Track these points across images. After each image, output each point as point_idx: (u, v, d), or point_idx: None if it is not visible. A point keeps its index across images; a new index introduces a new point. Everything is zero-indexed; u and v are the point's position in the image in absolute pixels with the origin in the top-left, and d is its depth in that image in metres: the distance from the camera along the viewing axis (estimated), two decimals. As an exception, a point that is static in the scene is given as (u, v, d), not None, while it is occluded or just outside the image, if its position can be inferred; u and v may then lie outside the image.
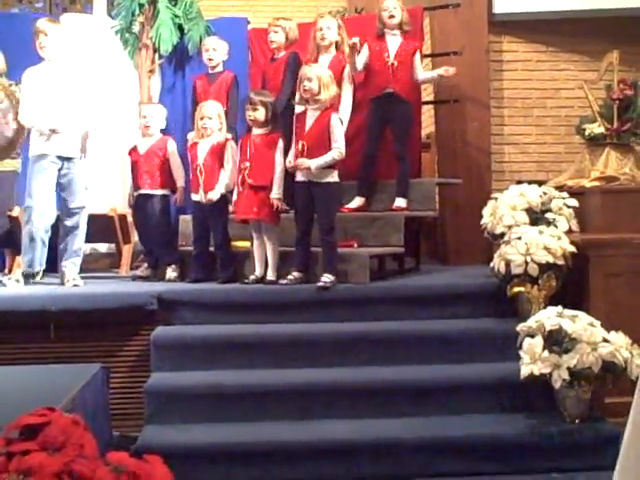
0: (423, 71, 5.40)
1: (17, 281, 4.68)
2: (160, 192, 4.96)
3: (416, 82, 5.37)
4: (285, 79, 5.25)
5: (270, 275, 4.53)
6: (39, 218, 4.72)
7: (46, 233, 4.76)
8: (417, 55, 5.32)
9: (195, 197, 4.77)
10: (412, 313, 4.31)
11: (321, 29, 5.24)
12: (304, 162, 4.35)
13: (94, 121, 4.91)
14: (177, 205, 5.04)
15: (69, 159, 4.76)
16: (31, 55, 5.27)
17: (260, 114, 4.58)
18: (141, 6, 5.93)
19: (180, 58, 5.98)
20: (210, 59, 5.43)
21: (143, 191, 4.96)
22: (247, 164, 4.57)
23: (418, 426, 3.64)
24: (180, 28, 5.93)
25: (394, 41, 5.30)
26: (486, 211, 4.64)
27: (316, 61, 5.20)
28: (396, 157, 5.32)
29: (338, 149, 4.34)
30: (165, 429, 3.63)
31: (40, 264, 4.78)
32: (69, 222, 4.80)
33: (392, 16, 5.27)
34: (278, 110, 4.74)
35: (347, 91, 5.20)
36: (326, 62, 5.20)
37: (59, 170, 4.76)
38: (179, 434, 3.58)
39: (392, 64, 5.23)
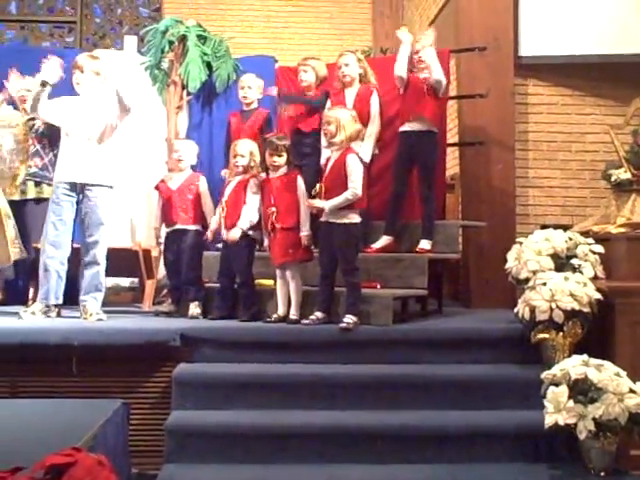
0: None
1: (33, 314, 4.69)
2: (194, 227, 4.98)
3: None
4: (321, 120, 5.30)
5: (293, 314, 4.52)
6: (52, 249, 4.76)
7: (61, 265, 4.77)
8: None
9: (221, 234, 4.81)
10: (434, 357, 4.27)
11: (340, 67, 5.32)
12: (315, 203, 4.37)
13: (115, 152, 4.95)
14: (208, 242, 5.04)
15: (85, 189, 4.78)
16: (61, 89, 5.36)
17: (283, 160, 4.63)
18: (170, 43, 6.05)
19: (208, 95, 6.08)
20: (245, 96, 5.50)
21: (177, 226, 4.99)
22: (273, 209, 4.60)
23: (439, 474, 3.59)
24: (209, 66, 6.04)
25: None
26: (510, 255, 4.61)
27: (342, 96, 5.29)
28: (421, 198, 5.32)
29: (352, 189, 4.35)
30: (184, 468, 3.61)
31: (56, 297, 4.78)
32: (86, 256, 4.82)
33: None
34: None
35: (373, 123, 5.22)
36: (351, 96, 5.26)
37: (77, 202, 4.80)
38: (198, 474, 3.56)
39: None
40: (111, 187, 4.87)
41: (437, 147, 5.41)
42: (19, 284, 5.56)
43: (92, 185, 4.78)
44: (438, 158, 5.48)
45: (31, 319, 4.63)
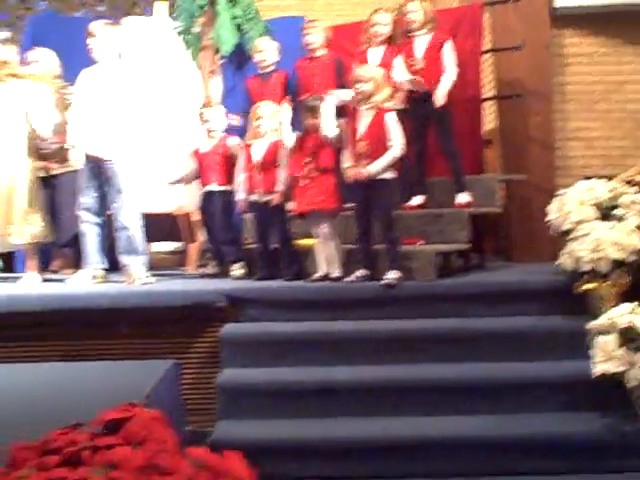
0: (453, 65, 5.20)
1: (83, 279, 4.81)
2: (224, 188, 5.01)
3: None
4: (335, 81, 5.26)
5: (335, 272, 4.54)
6: (87, 214, 4.87)
7: (97, 229, 4.87)
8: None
9: (253, 197, 4.81)
10: (479, 310, 4.26)
11: (374, 25, 5.24)
12: (362, 172, 4.32)
13: (135, 124, 4.93)
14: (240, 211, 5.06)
15: (102, 160, 4.82)
16: (90, 59, 5.39)
17: (318, 121, 4.61)
18: (201, 7, 6.01)
19: (240, 58, 6.04)
20: (262, 60, 5.47)
21: (207, 188, 5.02)
22: (308, 159, 4.57)
23: (488, 424, 3.61)
24: (239, 28, 5.99)
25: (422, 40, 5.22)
26: (552, 207, 4.57)
27: (364, 55, 5.22)
28: (445, 154, 5.26)
29: (396, 148, 4.32)
30: (237, 425, 3.69)
31: (99, 262, 4.89)
32: (116, 222, 4.88)
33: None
34: None
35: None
36: (377, 56, 5.20)
37: (99, 170, 4.84)
38: (251, 430, 3.63)
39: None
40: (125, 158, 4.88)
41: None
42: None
43: (106, 159, 4.82)
44: (450, 110, 5.34)
45: (79, 284, 4.72)
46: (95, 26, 4.90)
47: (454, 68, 5.14)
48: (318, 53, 5.42)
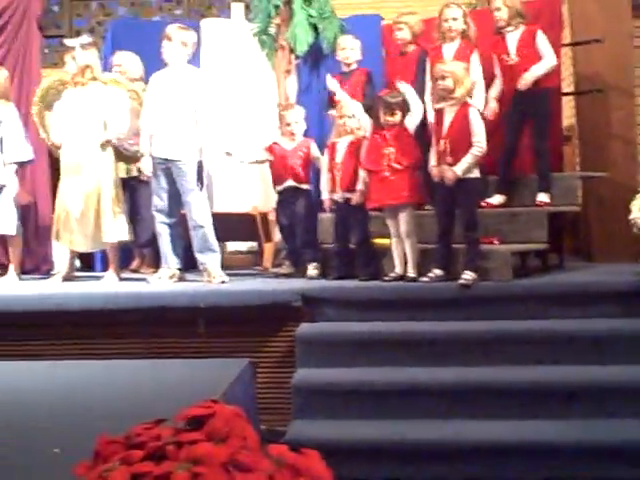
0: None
1: (159, 278, 4.90)
2: (304, 187, 5.03)
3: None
4: (417, 78, 5.23)
5: (410, 272, 4.51)
6: (160, 216, 4.95)
7: (172, 230, 4.94)
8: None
9: (334, 196, 4.83)
10: (558, 312, 4.17)
11: (447, 20, 5.19)
12: (446, 172, 4.29)
13: (208, 125, 4.96)
14: (327, 209, 5.07)
15: (171, 161, 4.88)
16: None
17: (397, 118, 4.59)
18: (276, 7, 6.05)
19: (315, 57, 6.06)
20: (346, 57, 5.47)
21: (287, 183, 5.04)
22: (390, 149, 4.54)
23: (569, 429, 3.53)
24: (315, 28, 6.01)
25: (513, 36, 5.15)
26: (635, 205, 4.44)
27: (440, 51, 5.18)
28: (535, 152, 5.18)
29: (478, 146, 4.27)
30: (312, 424, 3.70)
31: (176, 261, 4.96)
32: (189, 221, 4.95)
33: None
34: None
35: (477, 80, 5.08)
36: (451, 52, 5.15)
37: (170, 171, 4.91)
38: (325, 430, 3.64)
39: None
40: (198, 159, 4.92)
41: (550, 100, 5.21)
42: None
43: (175, 160, 4.88)
44: (552, 109, 5.29)
45: (158, 284, 4.82)
46: (171, 29, 4.98)
47: (552, 55, 5.08)
48: (408, 49, 5.39)
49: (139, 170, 5.37)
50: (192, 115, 4.86)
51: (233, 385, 3.56)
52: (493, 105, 5.17)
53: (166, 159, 4.87)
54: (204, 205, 4.92)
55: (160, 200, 4.94)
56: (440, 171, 4.33)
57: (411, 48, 5.38)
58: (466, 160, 4.26)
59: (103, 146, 5.04)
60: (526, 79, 4.99)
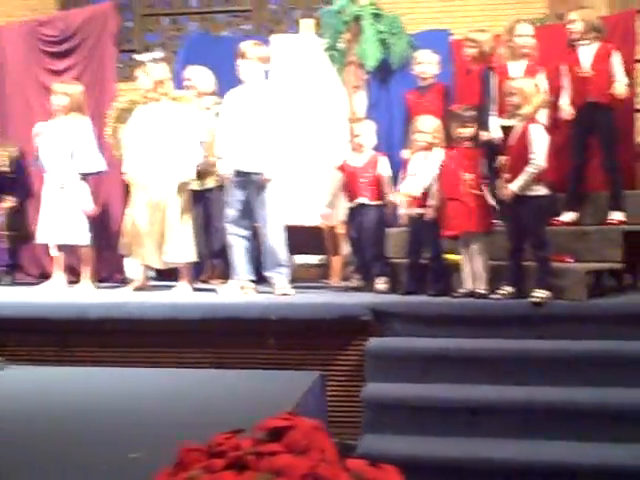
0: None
1: (229, 290, 4.95)
2: (374, 203, 5.04)
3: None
4: (481, 95, 5.19)
5: (480, 289, 4.47)
6: (233, 227, 4.99)
7: (244, 242, 4.98)
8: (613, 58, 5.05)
9: (407, 210, 4.82)
10: (630, 333, 4.07)
11: (519, 36, 5.14)
12: (505, 189, 4.28)
13: (284, 139, 5.02)
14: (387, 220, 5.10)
15: (248, 174, 4.93)
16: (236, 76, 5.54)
17: (470, 131, 4.57)
18: (346, 23, 6.09)
19: (385, 73, 6.07)
20: (422, 72, 5.47)
21: (359, 201, 5.06)
22: (467, 175, 4.52)
23: (637, 453, 3.44)
24: (384, 43, 6.03)
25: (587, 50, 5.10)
26: None
27: (506, 68, 5.14)
28: (605, 168, 5.09)
29: (534, 163, 4.22)
30: (382, 439, 3.69)
31: (247, 273, 5.00)
32: (261, 235, 4.99)
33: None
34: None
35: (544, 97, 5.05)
36: (518, 68, 5.10)
37: (247, 185, 4.96)
38: (395, 445, 3.63)
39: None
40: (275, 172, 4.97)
41: (615, 115, 5.12)
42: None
43: (254, 173, 4.92)
44: (618, 125, 5.17)
45: (229, 295, 4.87)
46: (245, 46, 5.04)
47: (624, 78, 5.03)
48: (474, 66, 5.37)
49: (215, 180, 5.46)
50: (268, 130, 4.92)
51: (304, 397, 3.59)
52: (568, 109, 5.11)
53: (243, 172, 4.93)
54: (277, 219, 4.96)
55: (233, 212, 5.00)
56: (500, 189, 4.32)
57: (475, 67, 5.36)
58: (522, 177, 4.23)
59: (176, 161, 5.12)
60: (618, 88, 4.95)
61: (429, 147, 4.79)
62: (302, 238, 5.19)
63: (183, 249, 5.10)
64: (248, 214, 5.00)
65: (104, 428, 3.11)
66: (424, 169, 4.73)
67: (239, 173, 4.96)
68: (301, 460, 2.14)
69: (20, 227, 5.96)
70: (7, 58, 6.33)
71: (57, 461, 2.67)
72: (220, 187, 5.55)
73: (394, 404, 3.83)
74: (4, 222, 5.79)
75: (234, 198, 5.00)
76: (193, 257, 5.18)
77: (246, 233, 5.01)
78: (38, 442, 2.92)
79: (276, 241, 4.95)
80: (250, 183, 4.94)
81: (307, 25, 6.59)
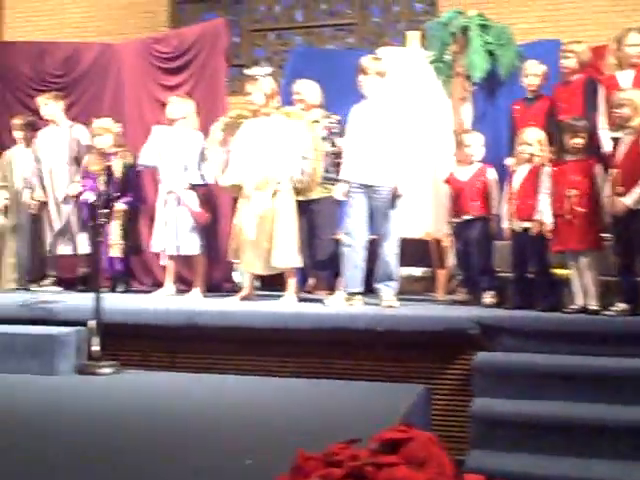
0: None
1: (337, 301, 4.98)
2: (481, 216, 4.99)
3: None
4: (585, 105, 5.06)
5: (592, 305, 4.36)
6: (349, 239, 5.00)
7: (358, 254, 4.98)
8: None
9: (511, 224, 4.76)
10: None
11: (631, 45, 4.99)
12: (618, 202, 4.18)
13: (406, 153, 5.03)
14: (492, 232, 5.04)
15: (371, 187, 4.96)
16: (345, 89, 5.58)
17: (582, 141, 4.48)
18: (453, 35, 6.07)
19: (492, 85, 6.01)
20: (530, 84, 5.39)
21: (465, 217, 5.03)
22: (574, 192, 4.45)
23: None
24: (491, 54, 5.97)
25: None
26: None
27: (614, 79, 5.01)
28: None
29: None
30: (491, 455, 3.63)
31: (356, 285, 5.00)
32: (379, 247, 5.00)
33: None
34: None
35: None
36: (628, 79, 4.95)
37: (368, 196, 4.98)
38: (506, 462, 3.56)
39: None
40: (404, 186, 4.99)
41: None
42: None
43: (376, 186, 4.95)
44: None
45: (336, 306, 4.90)
46: (365, 61, 5.08)
47: None
48: (573, 77, 5.26)
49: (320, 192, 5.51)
50: (392, 143, 4.96)
51: (410, 410, 3.58)
52: None
53: (366, 185, 4.97)
54: (396, 234, 4.99)
55: (351, 223, 5.01)
56: (611, 202, 4.20)
57: (576, 76, 5.23)
58: (636, 191, 4.10)
59: (283, 173, 5.21)
60: None
61: (532, 159, 4.72)
62: (407, 250, 5.17)
63: (289, 255, 5.18)
64: (365, 226, 5.01)
65: (217, 434, 3.19)
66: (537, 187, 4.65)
67: (363, 186, 4.99)
68: (419, 473, 2.15)
69: (132, 237, 6.12)
70: (124, 74, 6.61)
71: (174, 465, 2.74)
72: (325, 199, 5.63)
73: (503, 420, 3.76)
74: (118, 232, 5.98)
75: (353, 209, 5.01)
76: (298, 263, 5.25)
77: (360, 244, 5.01)
78: (154, 446, 3.01)
79: (391, 254, 4.96)
80: (374, 196, 4.97)
81: (413, 37, 6.60)
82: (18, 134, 6.41)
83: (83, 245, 6.18)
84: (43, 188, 6.25)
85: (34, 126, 6.46)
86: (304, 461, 2.27)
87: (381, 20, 9.41)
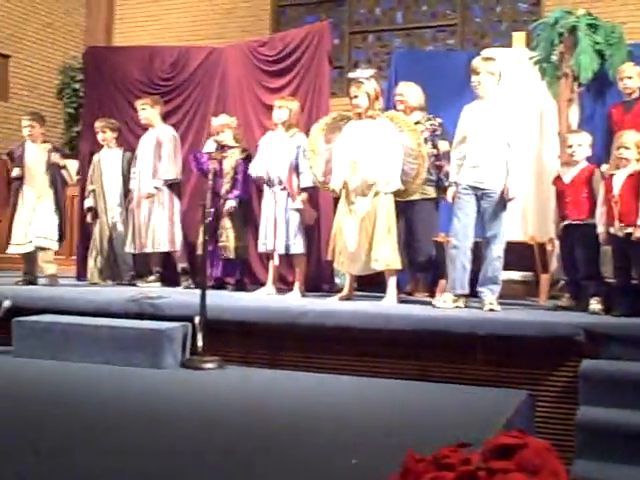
0: None
1: (444, 302, 4.95)
2: (588, 222, 4.87)
3: None
4: None
5: None
6: (456, 241, 4.96)
7: (465, 256, 4.95)
8: None
9: (612, 229, 4.63)
10: None
11: None
12: None
13: (515, 157, 4.97)
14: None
15: (482, 190, 4.91)
16: (448, 90, 5.56)
17: None
18: (560, 35, 5.96)
19: (600, 86, 5.88)
20: (625, 86, 5.24)
21: (569, 221, 4.92)
22: None
23: None
24: (601, 55, 5.83)
25: None
26: None
27: None
28: None
29: None
30: (597, 466, 3.54)
31: (462, 287, 4.97)
32: (486, 250, 4.94)
33: None
34: None
35: None
36: None
37: (478, 198, 4.93)
38: (611, 472, 3.48)
39: None
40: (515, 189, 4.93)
41: None
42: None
43: (487, 189, 4.90)
44: None
45: (443, 308, 4.89)
46: (477, 62, 5.02)
47: None
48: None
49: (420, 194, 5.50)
50: (503, 145, 4.91)
51: (513, 417, 3.53)
52: None
53: (476, 187, 4.94)
54: (504, 238, 4.94)
55: (459, 225, 4.98)
56: None
57: None
58: None
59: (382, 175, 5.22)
60: None
61: (630, 163, 4.58)
62: (509, 254, 5.09)
63: (389, 256, 5.18)
64: (472, 228, 4.97)
65: (319, 433, 3.22)
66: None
67: (473, 188, 4.96)
68: (532, 480, 2.12)
69: (244, 237, 6.19)
70: (229, 76, 6.76)
71: (277, 463, 2.77)
72: (423, 201, 5.61)
73: (609, 430, 3.66)
74: (228, 234, 6.10)
75: (462, 211, 4.98)
76: (398, 264, 5.25)
77: (466, 247, 4.97)
78: (259, 442, 3.06)
79: (498, 258, 4.91)
80: (485, 198, 4.93)
81: (519, 38, 6.51)
82: (106, 136, 6.62)
83: (164, 241, 6.33)
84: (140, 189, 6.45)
85: (120, 130, 6.70)
86: (414, 463, 2.28)
87: (483, 21, 9.32)
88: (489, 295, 4.89)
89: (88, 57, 7.49)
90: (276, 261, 5.79)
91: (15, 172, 6.40)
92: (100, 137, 6.64)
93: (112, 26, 11.31)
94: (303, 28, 6.90)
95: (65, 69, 10.35)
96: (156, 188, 6.31)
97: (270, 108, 6.11)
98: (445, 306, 4.91)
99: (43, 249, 6.36)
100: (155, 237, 6.33)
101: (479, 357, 4.33)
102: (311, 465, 2.77)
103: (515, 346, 4.27)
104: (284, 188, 5.74)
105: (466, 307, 4.95)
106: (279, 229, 5.71)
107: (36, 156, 6.40)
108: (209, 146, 6.19)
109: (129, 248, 6.44)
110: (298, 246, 5.73)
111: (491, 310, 4.78)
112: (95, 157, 6.73)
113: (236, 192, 6.09)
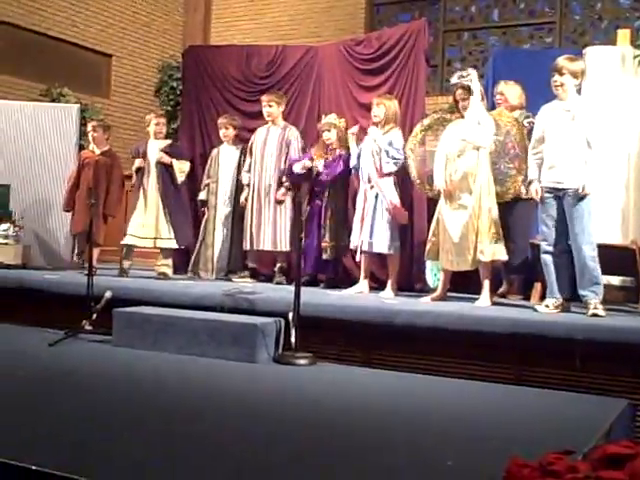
0: None
1: (547, 307, 4.86)
2: None
3: None
4: None
5: None
6: (545, 245, 4.87)
7: (557, 259, 4.85)
8: None
9: None
10: None
11: None
12: None
13: (592, 156, 4.82)
14: None
15: (564, 190, 4.79)
16: (546, 89, 5.40)
17: None
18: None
19: None
20: None
21: None
22: None
23: None
24: None
25: None
26: None
27: None
28: None
29: None
30: None
31: (560, 291, 4.86)
32: (577, 251, 4.79)
33: None
34: None
35: None
36: None
37: (560, 200, 4.82)
38: None
39: None
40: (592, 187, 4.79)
41: None
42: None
43: (569, 189, 4.78)
44: None
45: (545, 313, 4.79)
46: (560, 61, 4.91)
47: None
48: None
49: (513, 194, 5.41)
50: (582, 145, 4.79)
51: (613, 425, 3.43)
52: None
53: (559, 188, 4.84)
54: (593, 238, 4.80)
55: (547, 228, 4.91)
56: None
57: None
58: None
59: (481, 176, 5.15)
60: None
61: None
62: (607, 257, 4.94)
63: (496, 248, 5.15)
64: (562, 230, 4.86)
65: (413, 433, 3.20)
66: None
67: (554, 189, 4.86)
68: (644, 492, 2.06)
69: (342, 236, 6.20)
70: (324, 74, 6.81)
71: (370, 464, 2.74)
72: (520, 201, 5.51)
73: None
74: (328, 233, 6.15)
75: (547, 214, 4.90)
76: (504, 255, 5.19)
77: (559, 250, 4.87)
78: (352, 439, 3.05)
79: (591, 258, 4.77)
80: (565, 198, 4.82)
81: (624, 35, 6.31)
82: (228, 132, 6.73)
83: (284, 241, 6.42)
84: (250, 185, 6.55)
85: (237, 126, 6.79)
86: (517, 468, 2.25)
87: (582, 18, 9.09)
88: (593, 298, 4.74)
89: (188, 56, 7.67)
90: (357, 257, 5.80)
91: (137, 163, 6.59)
92: (222, 133, 6.75)
93: (209, 25, 11.55)
94: (400, 26, 6.89)
95: (163, 67, 10.64)
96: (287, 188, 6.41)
97: (365, 106, 6.11)
98: (547, 311, 4.81)
99: (163, 249, 6.55)
100: (277, 236, 6.42)
101: (578, 363, 4.22)
102: (403, 466, 2.74)
103: (615, 353, 4.14)
104: (372, 186, 5.74)
105: (569, 312, 4.84)
106: (365, 226, 5.72)
107: (157, 153, 6.58)
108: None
109: (246, 245, 6.53)
110: (384, 244, 5.70)
111: (594, 315, 4.64)
112: (214, 151, 6.84)
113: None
